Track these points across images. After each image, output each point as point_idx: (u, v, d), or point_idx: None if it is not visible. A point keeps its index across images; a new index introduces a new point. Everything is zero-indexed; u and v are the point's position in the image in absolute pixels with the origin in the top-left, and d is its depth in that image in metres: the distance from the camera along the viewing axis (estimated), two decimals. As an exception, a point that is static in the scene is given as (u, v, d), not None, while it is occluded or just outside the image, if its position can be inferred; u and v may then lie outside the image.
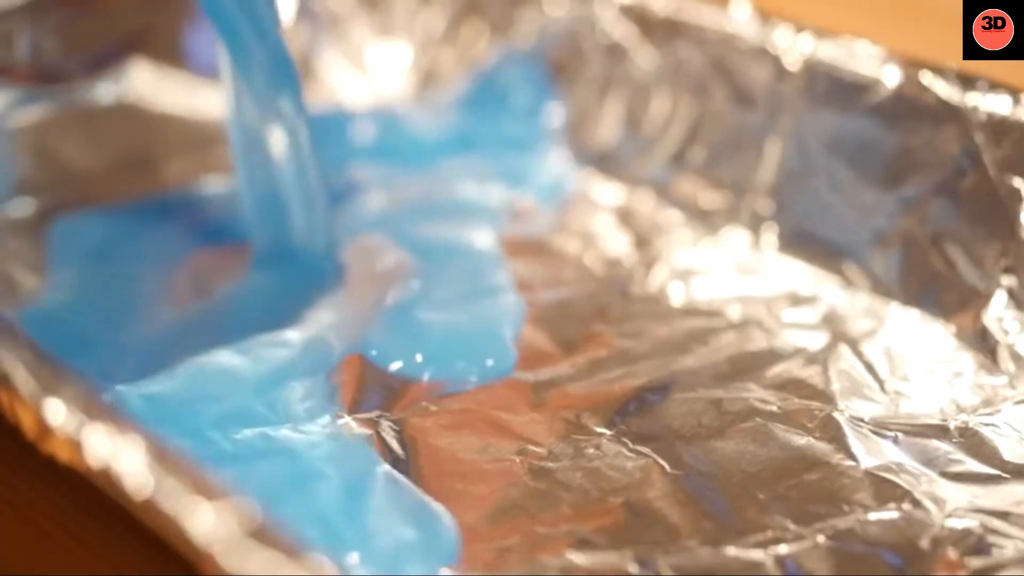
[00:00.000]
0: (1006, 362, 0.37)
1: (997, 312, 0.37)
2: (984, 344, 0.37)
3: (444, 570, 0.30)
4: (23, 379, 0.29)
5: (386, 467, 0.33)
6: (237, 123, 0.41)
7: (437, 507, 0.32)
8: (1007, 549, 0.31)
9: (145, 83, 0.49)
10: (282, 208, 0.41)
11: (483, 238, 0.44)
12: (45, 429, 0.28)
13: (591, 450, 0.34)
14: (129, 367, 0.36)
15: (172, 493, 0.26)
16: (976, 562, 0.30)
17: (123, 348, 0.38)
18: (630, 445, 0.34)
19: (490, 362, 0.37)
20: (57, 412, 0.28)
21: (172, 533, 0.25)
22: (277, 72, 0.40)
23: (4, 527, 0.33)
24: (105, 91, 0.49)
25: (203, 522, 0.25)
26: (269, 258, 0.42)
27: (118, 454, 0.27)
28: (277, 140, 0.40)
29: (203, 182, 0.47)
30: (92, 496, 0.27)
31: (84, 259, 0.43)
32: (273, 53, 0.39)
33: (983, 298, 0.38)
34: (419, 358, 0.37)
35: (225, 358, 0.36)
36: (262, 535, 0.25)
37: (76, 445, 0.27)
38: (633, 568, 0.30)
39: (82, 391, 0.28)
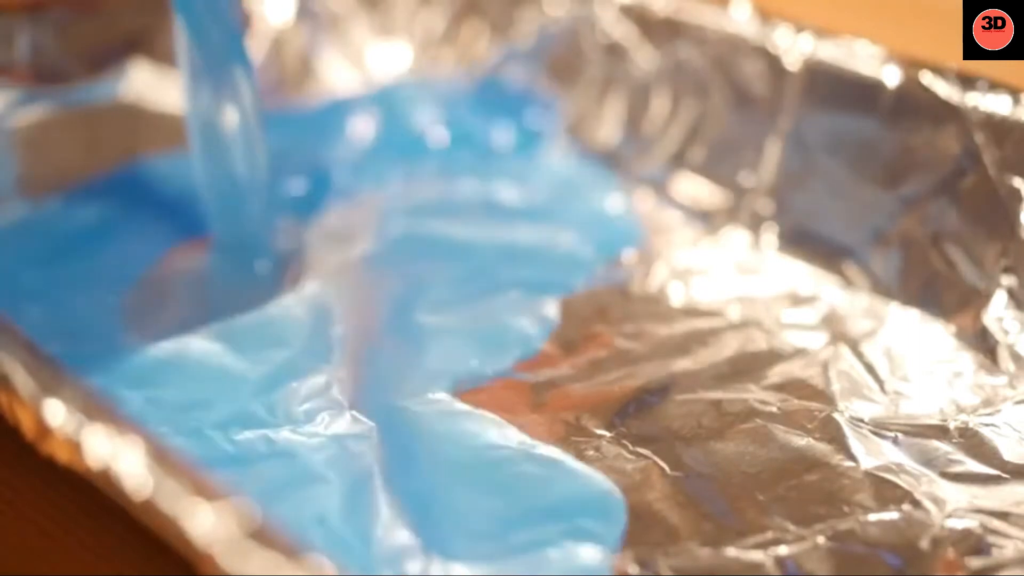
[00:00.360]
0: (1006, 362, 0.37)
1: (997, 312, 0.37)
2: (984, 344, 0.37)
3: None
4: (23, 379, 0.29)
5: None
6: (193, 106, 0.41)
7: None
8: (1007, 549, 0.31)
9: (145, 83, 0.49)
10: (235, 193, 0.41)
11: (485, 237, 0.44)
12: (45, 429, 0.28)
13: (591, 452, 0.34)
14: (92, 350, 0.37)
15: (172, 494, 0.26)
16: (976, 562, 0.30)
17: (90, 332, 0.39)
18: (630, 447, 0.34)
19: (489, 365, 0.37)
20: (56, 413, 0.28)
21: (172, 534, 0.25)
22: (231, 53, 0.40)
23: (4, 527, 0.32)
24: (105, 91, 0.49)
25: (203, 523, 0.25)
26: (222, 246, 0.42)
27: (118, 455, 0.27)
28: (229, 124, 0.40)
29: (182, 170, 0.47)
30: (92, 496, 0.27)
31: (56, 246, 0.43)
32: (226, 32, 0.40)
33: (983, 298, 0.38)
34: (419, 358, 0.37)
35: (225, 358, 0.37)
36: (262, 536, 0.25)
37: (75, 446, 0.27)
38: (633, 569, 0.30)
39: (81, 392, 0.28)
